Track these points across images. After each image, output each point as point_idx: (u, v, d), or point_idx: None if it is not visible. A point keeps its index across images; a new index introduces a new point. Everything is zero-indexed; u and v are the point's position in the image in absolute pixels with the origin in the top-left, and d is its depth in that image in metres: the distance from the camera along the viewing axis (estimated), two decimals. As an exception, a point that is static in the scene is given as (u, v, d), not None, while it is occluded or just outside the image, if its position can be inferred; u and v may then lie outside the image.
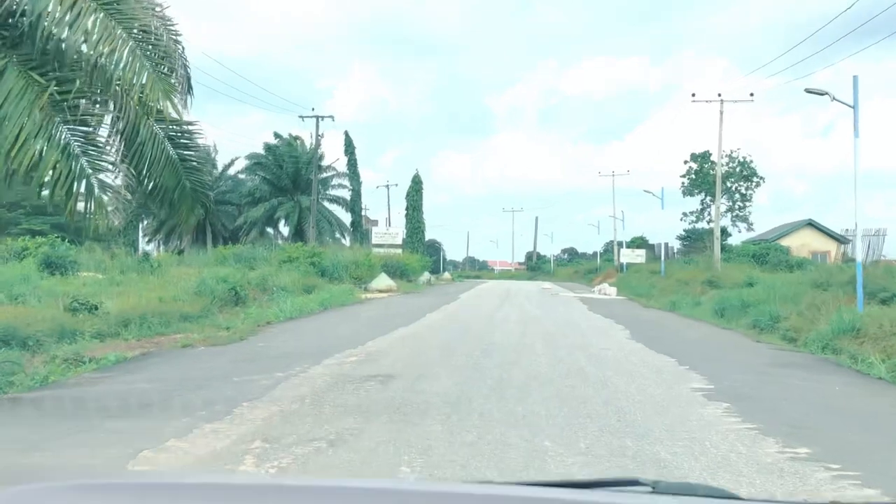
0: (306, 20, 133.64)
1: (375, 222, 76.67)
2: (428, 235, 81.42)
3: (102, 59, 9.38)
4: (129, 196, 12.12)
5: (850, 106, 17.78)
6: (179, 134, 15.86)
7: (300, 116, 52.14)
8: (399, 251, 54.37)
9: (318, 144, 53.20)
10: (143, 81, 9.48)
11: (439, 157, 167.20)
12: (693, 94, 40.18)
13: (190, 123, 15.94)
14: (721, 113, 39.97)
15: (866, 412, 9.14)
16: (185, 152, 16.28)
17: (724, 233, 51.20)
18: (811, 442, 7.00)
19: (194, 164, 16.88)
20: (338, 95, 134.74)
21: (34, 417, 8.62)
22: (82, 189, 9.68)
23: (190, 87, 16.75)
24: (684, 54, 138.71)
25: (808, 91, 18.54)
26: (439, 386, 10.12)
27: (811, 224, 60.35)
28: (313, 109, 51.62)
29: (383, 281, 40.10)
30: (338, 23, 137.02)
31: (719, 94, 39.84)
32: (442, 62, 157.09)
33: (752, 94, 39.13)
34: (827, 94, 18.04)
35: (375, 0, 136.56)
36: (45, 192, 9.94)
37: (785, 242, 54.00)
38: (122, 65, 9.32)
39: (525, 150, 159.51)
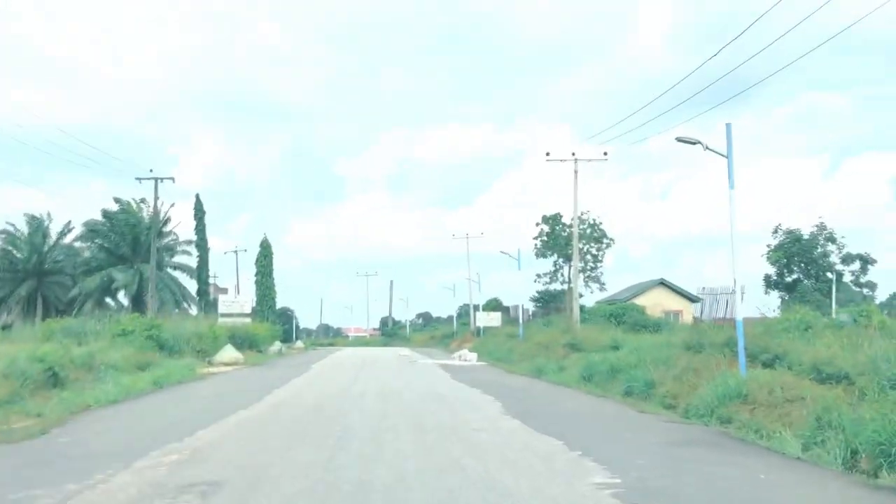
0: (151, 86, 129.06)
1: (225, 290, 73.38)
2: (280, 303, 78.51)
3: None
4: None
5: (723, 155, 16.83)
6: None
7: (137, 178, 48.30)
8: (248, 320, 51.22)
9: (156, 208, 49.71)
10: None
11: (291, 222, 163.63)
12: (547, 154, 39.68)
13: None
14: (575, 172, 39.55)
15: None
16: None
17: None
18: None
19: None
20: (185, 162, 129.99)
21: None
22: None
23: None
24: (529, 120, 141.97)
25: (679, 140, 17.52)
26: (279, 498, 7.82)
27: (663, 283, 61.11)
28: (151, 171, 48.10)
29: (229, 353, 37.04)
30: (182, 89, 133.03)
31: (573, 153, 39.47)
32: (291, 128, 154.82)
33: (605, 154, 38.86)
34: (699, 142, 17.06)
35: (221, 66, 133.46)
36: None
37: (638, 302, 54.11)
38: None
39: (378, 216, 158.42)
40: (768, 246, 67.68)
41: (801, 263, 67.45)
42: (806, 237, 67.18)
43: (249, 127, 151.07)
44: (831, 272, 64.59)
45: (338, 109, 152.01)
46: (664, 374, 19.01)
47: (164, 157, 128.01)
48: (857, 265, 68.39)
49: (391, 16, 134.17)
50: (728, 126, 16.74)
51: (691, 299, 56.94)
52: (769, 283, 67.99)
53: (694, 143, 17.14)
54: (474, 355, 41.49)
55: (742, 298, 36.77)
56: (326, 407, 17.21)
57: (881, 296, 66.42)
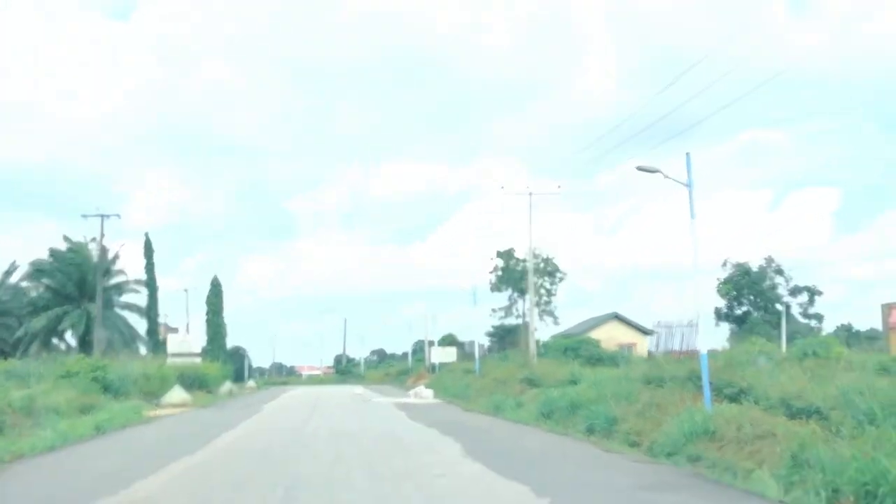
0: (101, 125, 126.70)
1: (176, 330, 71.80)
2: (232, 341, 77.17)
3: None
4: None
5: (683, 184, 16.47)
6: None
7: (83, 216, 47.14)
8: (198, 360, 49.99)
9: (102, 245, 48.51)
10: None
11: (244, 261, 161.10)
12: (503, 187, 39.44)
13: None
14: (530, 206, 39.32)
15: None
16: None
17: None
18: None
19: None
20: (136, 201, 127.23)
21: None
22: None
23: None
24: (481, 158, 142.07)
25: (640, 169, 17.15)
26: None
27: (617, 317, 61.03)
28: (97, 208, 46.95)
29: (177, 394, 35.89)
30: (133, 127, 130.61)
31: (528, 187, 39.26)
32: (243, 166, 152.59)
33: (559, 186, 38.67)
34: (659, 171, 16.70)
35: (172, 104, 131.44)
36: None
37: (593, 335, 53.89)
38: None
39: (331, 253, 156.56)
40: (718, 279, 68.04)
41: (749, 296, 67.86)
42: (755, 270, 67.68)
43: (201, 165, 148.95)
44: (780, 304, 65.03)
45: (290, 147, 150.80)
46: (626, 409, 18.48)
47: (114, 196, 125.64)
48: (804, 297, 69.02)
49: (344, 54, 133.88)
50: (688, 156, 16.41)
51: (645, 332, 56.87)
52: (719, 316, 68.24)
53: (654, 172, 16.78)
54: (430, 392, 40.72)
55: (699, 331, 36.45)
56: (276, 452, 16.29)
57: (828, 327, 66.92)
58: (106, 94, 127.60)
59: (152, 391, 35.28)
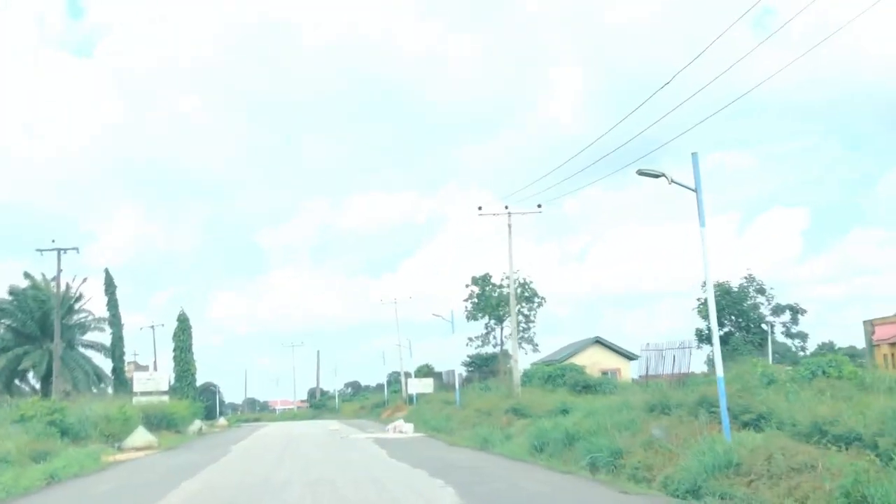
0: (65, 162, 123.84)
1: (146, 368, 69.56)
2: (203, 378, 74.79)
3: None
4: None
5: (692, 189, 14.98)
6: None
7: (38, 250, 44.53)
8: (166, 398, 47.81)
9: (59, 281, 45.99)
10: None
11: (213, 295, 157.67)
12: (480, 208, 37.77)
13: None
14: (509, 226, 37.68)
15: None
16: None
17: (508, 355, 48.58)
18: None
19: None
20: (103, 238, 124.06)
21: None
22: None
23: None
24: (450, 186, 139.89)
25: (641, 173, 15.60)
26: None
27: (599, 341, 59.46)
28: (53, 241, 44.38)
29: (140, 436, 33.73)
30: (99, 164, 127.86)
31: (506, 207, 37.64)
32: (211, 201, 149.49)
33: (539, 206, 37.00)
34: (663, 175, 15.16)
35: (137, 140, 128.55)
36: None
37: (575, 361, 52.22)
38: None
39: (302, 286, 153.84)
40: (698, 300, 66.87)
41: (731, 316, 66.68)
42: (735, 289, 66.55)
43: (168, 201, 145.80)
44: (764, 324, 63.88)
45: (258, 180, 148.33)
46: (630, 441, 16.88)
47: (81, 234, 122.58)
48: (787, 316, 67.96)
49: (308, 86, 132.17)
50: (695, 156, 14.89)
51: (628, 357, 55.40)
52: (700, 338, 66.91)
53: (657, 177, 15.26)
54: (410, 426, 38.93)
55: (691, 353, 34.66)
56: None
57: (810, 346, 65.81)
58: (70, 131, 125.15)
59: (114, 433, 33.14)
